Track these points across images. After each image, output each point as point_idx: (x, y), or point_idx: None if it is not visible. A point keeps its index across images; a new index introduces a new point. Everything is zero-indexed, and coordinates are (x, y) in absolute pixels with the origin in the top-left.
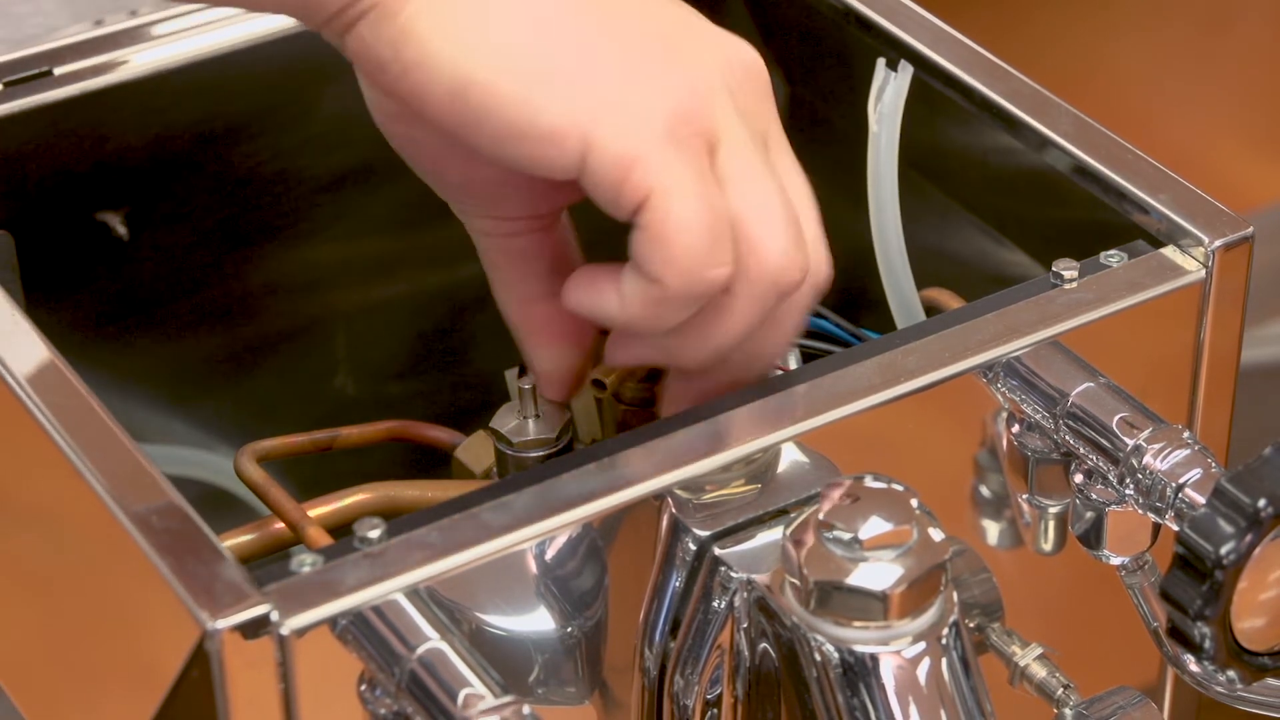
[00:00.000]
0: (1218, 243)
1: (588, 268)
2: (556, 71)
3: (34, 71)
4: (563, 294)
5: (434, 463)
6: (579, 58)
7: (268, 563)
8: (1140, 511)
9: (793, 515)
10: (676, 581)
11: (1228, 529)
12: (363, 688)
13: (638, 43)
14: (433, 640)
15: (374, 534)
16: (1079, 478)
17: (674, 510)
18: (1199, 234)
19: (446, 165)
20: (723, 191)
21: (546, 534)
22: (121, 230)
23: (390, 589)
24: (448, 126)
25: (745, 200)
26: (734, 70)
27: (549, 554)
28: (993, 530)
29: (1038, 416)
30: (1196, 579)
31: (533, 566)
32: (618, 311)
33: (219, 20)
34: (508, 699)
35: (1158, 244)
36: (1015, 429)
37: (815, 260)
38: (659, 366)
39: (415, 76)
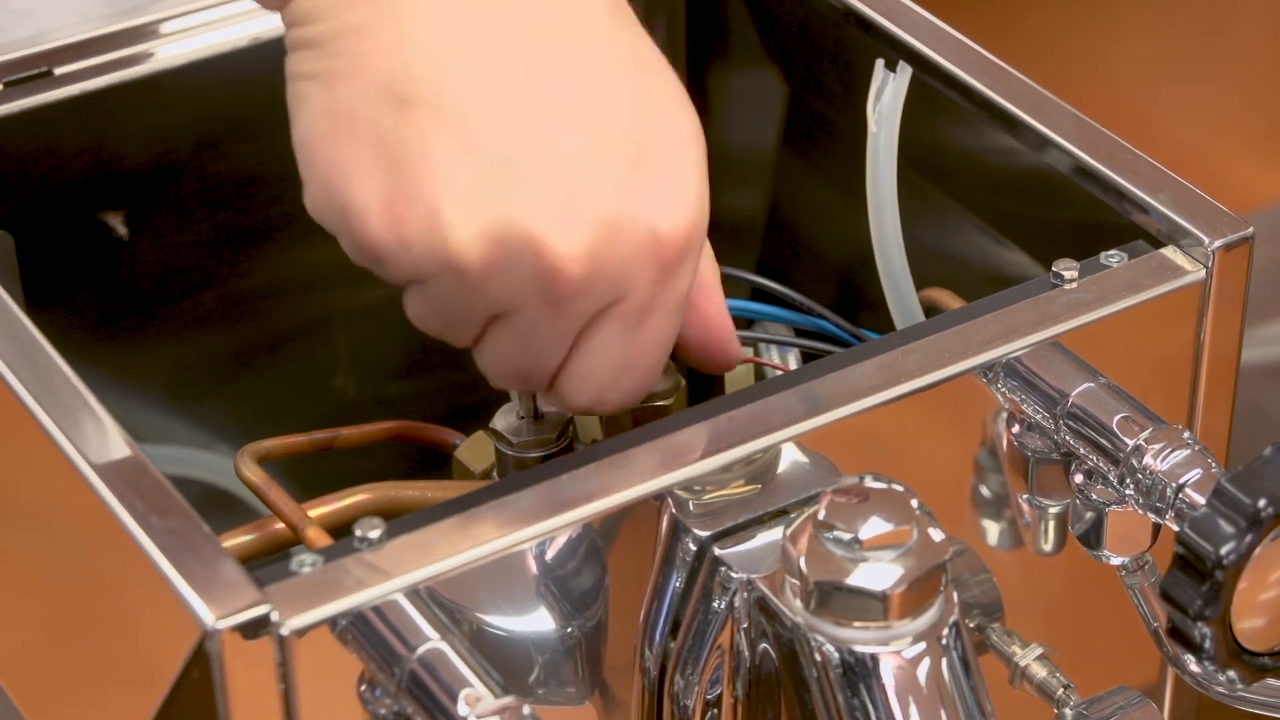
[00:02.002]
0: (1218, 243)
1: None
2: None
3: (34, 71)
4: None
5: (434, 463)
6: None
7: (268, 563)
8: (1140, 512)
9: (793, 515)
10: (676, 582)
11: (1228, 529)
12: (363, 688)
13: (572, 129)
14: (433, 640)
15: (374, 534)
16: (1079, 478)
17: (674, 510)
18: (1199, 234)
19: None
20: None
21: (546, 534)
22: (121, 230)
23: (390, 589)
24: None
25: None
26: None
27: (549, 554)
28: (993, 530)
29: (1038, 417)
30: (1197, 579)
31: (533, 567)
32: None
33: (220, 20)
34: (508, 699)
35: (1158, 244)
36: (1015, 429)
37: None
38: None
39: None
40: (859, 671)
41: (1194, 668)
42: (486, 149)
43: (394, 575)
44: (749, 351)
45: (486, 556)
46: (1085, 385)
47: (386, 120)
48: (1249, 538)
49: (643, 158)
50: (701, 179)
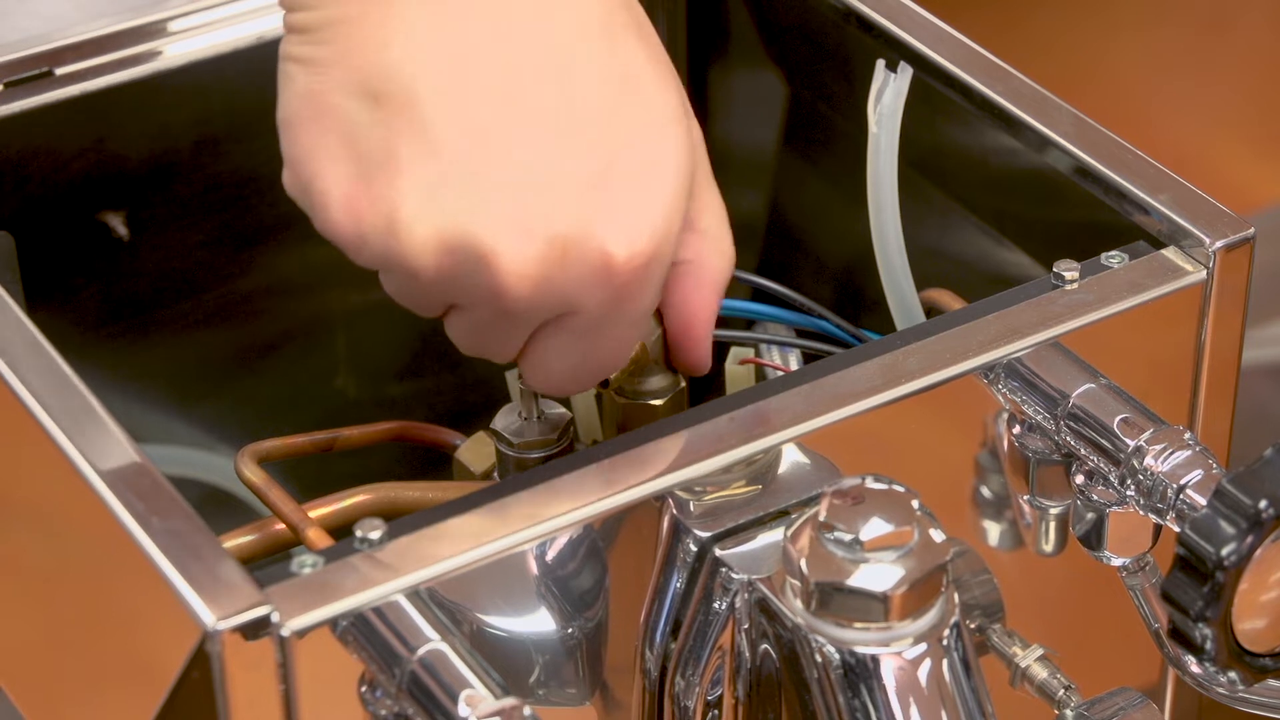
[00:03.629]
0: (1219, 243)
1: None
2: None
3: (34, 72)
4: None
5: (434, 463)
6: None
7: (268, 564)
8: (1141, 513)
9: (794, 516)
10: (677, 583)
11: (1229, 530)
12: (363, 689)
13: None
14: (433, 641)
15: (375, 535)
16: (1080, 479)
17: (675, 511)
18: (1200, 235)
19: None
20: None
21: (547, 535)
22: (122, 230)
23: (391, 590)
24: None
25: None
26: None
27: (550, 555)
28: (994, 531)
29: (1039, 417)
30: (1198, 580)
31: (533, 567)
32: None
33: (220, 21)
34: (508, 700)
35: (1159, 245)
36: (1016, 430)
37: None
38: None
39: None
40: (860, 672)
41: (1195, 669)
42: (449, 155)
43: (394, 576)
44: (749, 352)
45: (487, 557)
46: (1086, 386)
47: (358, 114)
48: (1250, 539)
49: (607, 177)
50: (669, 203)
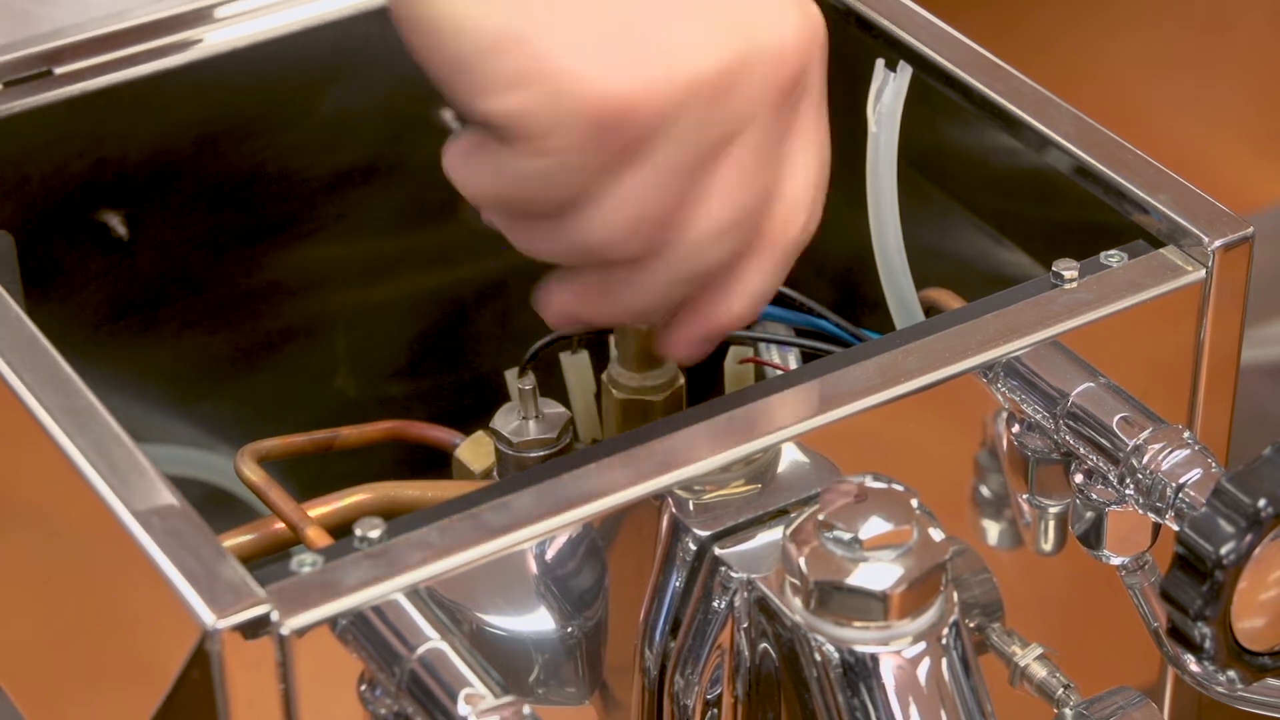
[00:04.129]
0: (1218, 243)
1: (464, 143)
2: (526, 23)
3: (34, 72)
4: (444, 158)
5: (434, 463)
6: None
7: (268, 563)
8: (1140, 511)
9: (793, 515)
10: (677, 581)
11: (1228, 529)
12: (363, 688)
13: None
14: (433, 640)
15: (374, 534)
16: (1079, 478)
17: (674, 510)
18: (1199, 234)
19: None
20: (606, 177)
21: (546, 534)
22: (121, 230)
23: (390, 589)
24: (416, 57)
25: (609, 194)
26: (727, 74)
27: (549, 554)
28: (993, 530)
29: (1038, 416)
30: (1197, 579)
31: (533, 566)
32: (462, 182)
33: (219, 20)
34: (508, 699)
35: (1158, 244)
36: (1015, 429)
37: (687, 251)
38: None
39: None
40: (859, 671)
41: (1194, 668)
42: None
43: (394, 575)
44: (749, 351)
45: (486, 556)
46: (1085, 385)
47: None
48: (1249, 538)
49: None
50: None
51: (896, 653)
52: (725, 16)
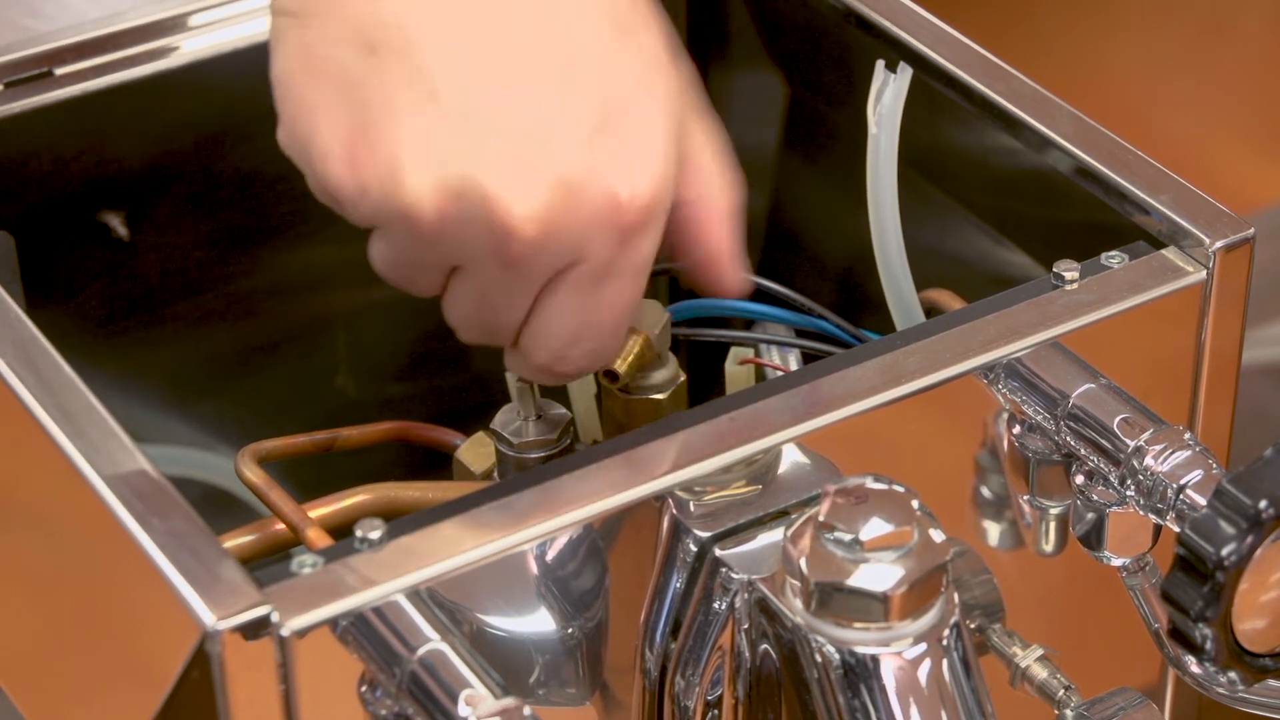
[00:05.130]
0: (1219, 244)
1: None
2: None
3: (34, 72)
4: None
5: (434, 463)
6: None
7: (268, 564)
8: (1141, 513)
9: (794, 516)
10: (677, 583)
11: (1229, 530)
12: (363, 689)
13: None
14: (433, 641)
15: (375, 535)
16: (1080, 479)
17: (675, 511)
18: (1200, 235)
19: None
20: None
21: (547, 535)
22: (122, 231)
23: (391, 590)
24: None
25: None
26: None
27: (550, 555)
28: (994, 531)
29: (1039, 418)
30: (1198, 580)
31: (533, 567)
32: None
33: (220, 21)
34: (508, 700)
35: (1159, 245)
36: (1016, 430)
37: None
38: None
39: None
40: (860, 672)
41: (1195, 669)
42: (449, 102)
43: (395, 576)
44: (749, 352)
45: (487, 557)
46: (1086, 386)
47: (354, 65)
48: (1250, 539)
49: (608, 122)
50: (668, 146)
51: (897, 654)
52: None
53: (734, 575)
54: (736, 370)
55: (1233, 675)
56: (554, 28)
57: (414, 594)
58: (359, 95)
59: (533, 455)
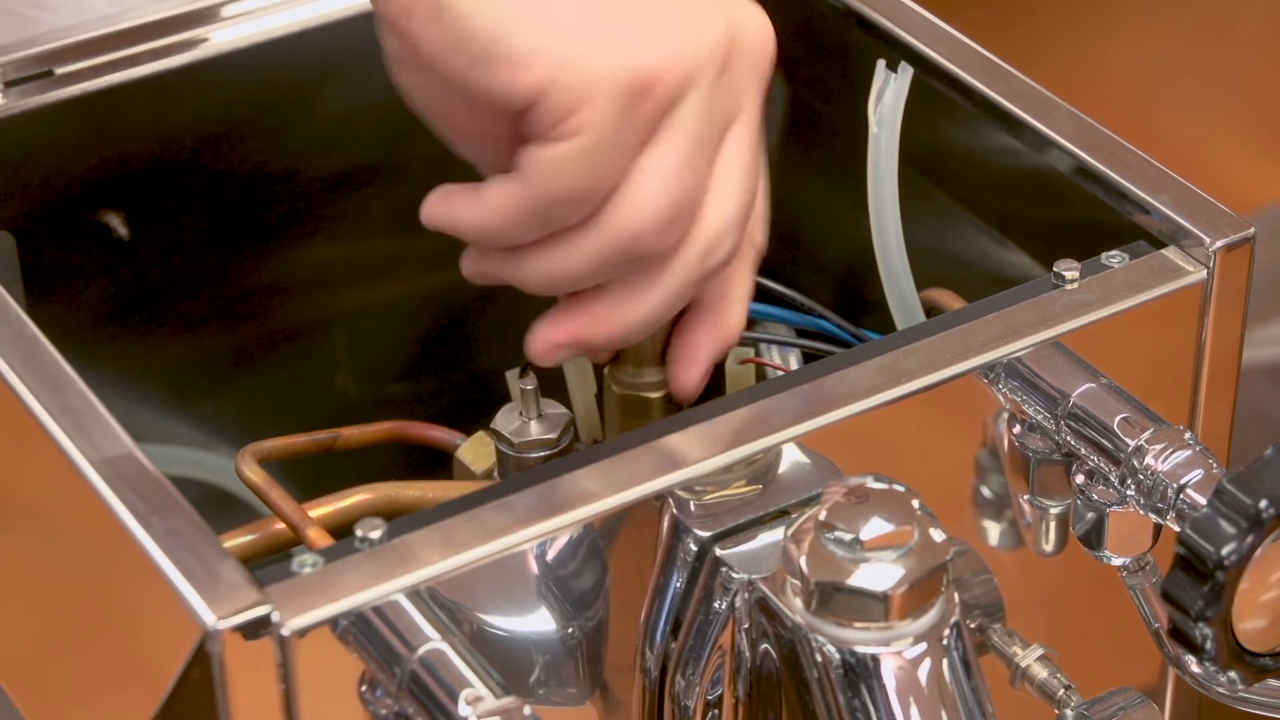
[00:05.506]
0: (1219, 243)
1: (445, 186)
2: (535, 5)
3: (35, 72)
4: (422, 211)
5: (434, 463)
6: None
7: (269, 563)
8: (1141, 512)
9: (794, 516)
10: (677, 582)
11: (1229, 530)
12: (363, 688)
13: None
14: (434, 641)
15: (375, 534)
16: (1080, 478)
17: (675, 511)
18: (1200, 234)
19: (451, 114)
20: (639, 159)
21: (547, 534)
22: (122, 230)
23: (391, 589)
24: (426, 52)
25: (648, 173)
26: (728, 47)
27: (550, 555)
28: (994, 531)
29: (1039, 417)
30: (1198, 580)
31: (534, 567)
32: (472, 218)
33: (220, 21)
34: (508, 700)
35: (1159, 244)
36: (1016, 430)
37: (704, 246)
38: (504, 283)
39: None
40: (860, 672)
41: (1195, 668)
42: None
43: (395, 575)
44: (749, 352)
45: (487, 557)
46: (1086, 386)
47: None
48: (1250, 538)
49: None
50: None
51: (897, 653)
52: (710, 6)
53: (734, 575)
54: (736, 370)
55: (1233, 675)
56: None
57: (414, 594)
58: None
59: (533, 455)
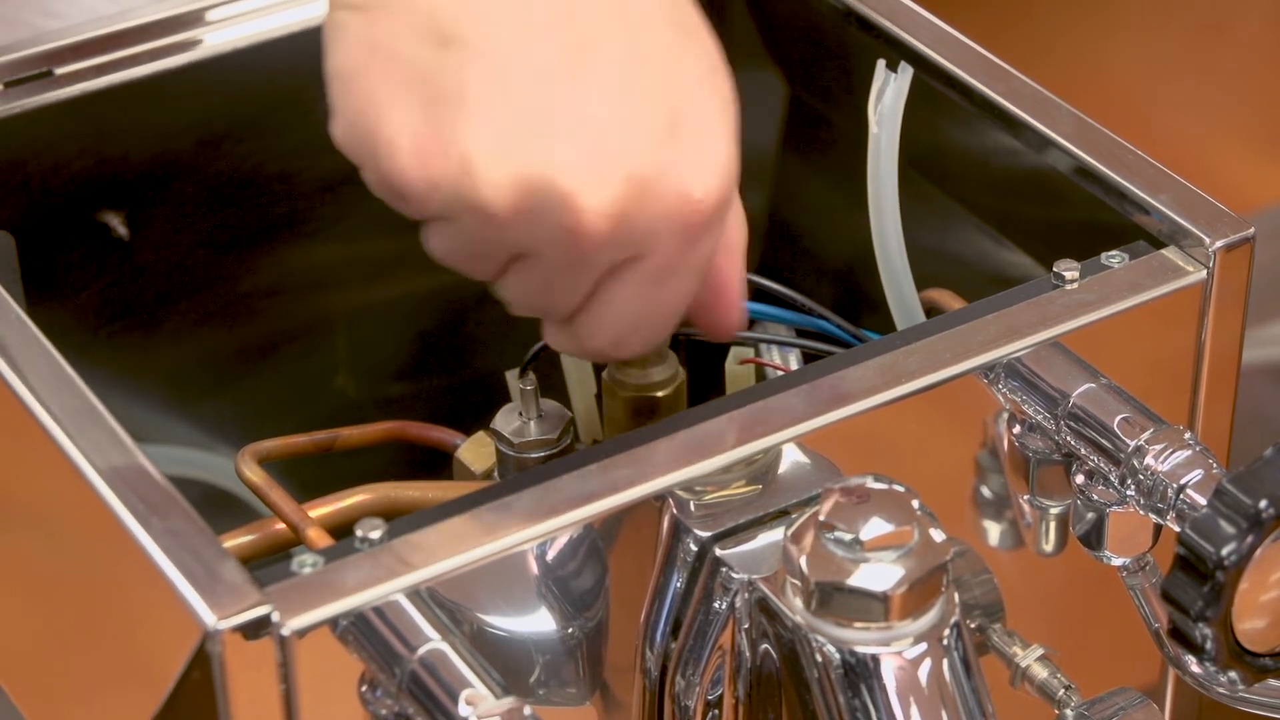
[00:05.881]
0: (1219, 243)
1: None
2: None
3: (34, 72)
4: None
5: (434, 463)
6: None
7: (269, 563)
8: (1141, 512)
9: (794, 516)
10: (677, 582)
11: (1229, 530)
12: (363, 688)
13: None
14: (434, 641)
15: (375, 534)
16: (1080, 478)
17: (675, 511)
18: (1200, 234)
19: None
20: None
21: (547, 535)
22: (122, 230)
23: (391, 589)
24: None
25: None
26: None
27: (550, 555)
28: (994, 531)
29: (1039, 417)
30: (1198, 580)
31: (534, 567)
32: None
33: (220, 21)
34: (509, 700)
35: (1159, 245)
36: (1016, 430)
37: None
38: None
39: None
40: (860, 672)
41: (1195, 669)
42: (523, 96)
43: (395, 575)
44: (749, 352)
45: (487, 557)
46: (1086, 386)
47: (425, 58)
48: (1250, 538)
49: (678, 120)
50: (733, 146)
51: (897, 653)
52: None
53: (734, 575)
54: (736, 370)
55: (1233, 675)
56: (621, 26)
57: (414, 594)
58: (430, 88)
59: (533, 455)
